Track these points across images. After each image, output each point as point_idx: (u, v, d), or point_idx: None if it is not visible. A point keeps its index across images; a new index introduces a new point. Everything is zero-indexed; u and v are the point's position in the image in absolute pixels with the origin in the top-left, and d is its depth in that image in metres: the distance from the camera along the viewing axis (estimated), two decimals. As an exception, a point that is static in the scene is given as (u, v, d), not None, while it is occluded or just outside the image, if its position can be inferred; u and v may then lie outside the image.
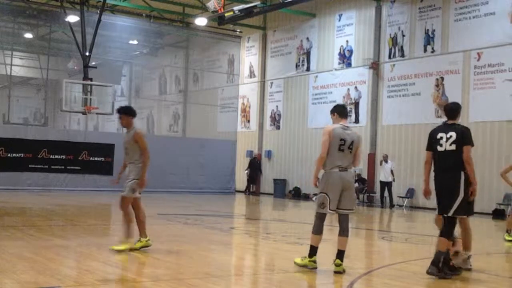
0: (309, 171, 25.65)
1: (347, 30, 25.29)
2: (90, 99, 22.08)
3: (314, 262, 7.59)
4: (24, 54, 34.19)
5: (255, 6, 22.14)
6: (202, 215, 15.86)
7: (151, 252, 8.78)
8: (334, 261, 7.46)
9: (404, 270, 8.10)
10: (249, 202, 24.25)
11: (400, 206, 21.90)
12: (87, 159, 24.64)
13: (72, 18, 23.93)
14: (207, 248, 9.75)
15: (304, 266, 7.60)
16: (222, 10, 22.28)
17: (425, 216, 19.29)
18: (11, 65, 31.60)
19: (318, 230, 7.59)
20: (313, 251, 7.60)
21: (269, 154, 28.41)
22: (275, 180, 27.41)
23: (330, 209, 7.50)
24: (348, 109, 24.63)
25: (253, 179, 28.14)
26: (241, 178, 28.66)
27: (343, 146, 7.47)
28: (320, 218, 7.61)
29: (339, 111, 7.79)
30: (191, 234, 11.66)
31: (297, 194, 26.18)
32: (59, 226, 12.65)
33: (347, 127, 7.66)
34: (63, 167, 24.23)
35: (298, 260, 7.69)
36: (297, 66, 27.63)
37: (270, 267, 8.53)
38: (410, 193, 21.92)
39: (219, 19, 23.75)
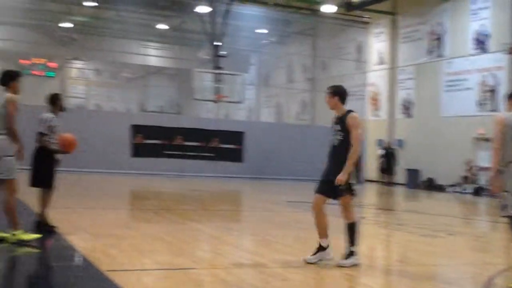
0: (443, 161, 24.69)
1: (482, 14, 23.93)
2: (221, 87, 22.60)
3: None
4: (158, 44, 35.64)
5: (385, -9, 21.58)
6: (330, 204, 15.71)
7: (280, 239, 8.82)
8: None
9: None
10: (380, 192, 23.77)
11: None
12: (218, 146, 25.32)
13: (203, 9, 24.57)
14: (336, 236, 9.62)
15: None
16: (351, -4, 21.96)
17: None
18: (147, 55, 33.04)
19: None
20: None
21: (400, 143, 27.63)
22: (407, 170, 26.62)
23: None
24: (483, 97, 23.54)
25: (388, 169, 27.31)
26: (371, 168, 28.09)
27: None
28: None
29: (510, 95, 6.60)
30: (321, 222, 11.55)
31: (431, 185, 25.27)
32: (192, 211, 13.05)
33: None
34: (196, 153, 25.05)
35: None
36: (428, 52, 26.61)
37: (404, 259, 8.26)
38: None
39: (346, 6, 23.44)
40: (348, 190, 6.82)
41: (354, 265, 6.78)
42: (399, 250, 9.09)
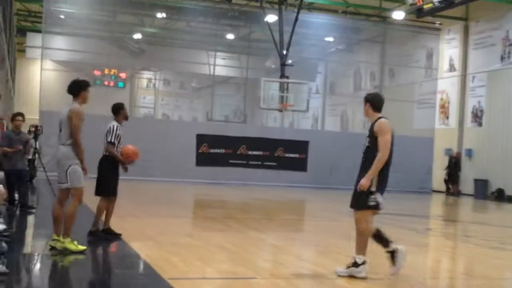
0: (515, 171, 23.84)
1: (560, 18, 23.03)
2: (286, 96, 22.57)
3: None
4: (225, 54, 36.01)
5: (456, -4, 21.06)
6: (396, 215, 15.45)
7: (343, 249, 8.71)
8: None
9: None
10: (446, 203, 23.18)
11: None
12: (282, 155, 25.30)
13: (271, 18, 24.66)
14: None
15: None
16: (421, 2, 21.54)
17: None
18: (214, 65, 33.44)
19: None
20: None
21: (469, 152, 26.87)
22: (475, 180, 25.86)
23: None
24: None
25: (451, 179, 26.75)
26: (438, 177, 27.43)
27: None
28: None
29: None
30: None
31: (500, 196, 24.43)
32: (255, 220, 13.10)
33: None
34: (260, 162, 25.12)
35: None
36: (502, 58, 25.77)
37: (469, 272, 8.03)
38: None
39: (417, 12, 23.02)
40: (376, 204, 6.57)
41: (353, 277, 6.52)
42: (465, 262, 8.83)
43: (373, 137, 6.67)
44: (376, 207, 6.61)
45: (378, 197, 6.60)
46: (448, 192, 26.64)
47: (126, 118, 8.72)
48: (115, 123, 8.55)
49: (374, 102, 6.90)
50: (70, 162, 7.28)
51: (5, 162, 11.29)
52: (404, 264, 6.61)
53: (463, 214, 19.07)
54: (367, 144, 6.74)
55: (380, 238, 6.70)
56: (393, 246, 6.63)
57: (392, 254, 6.62)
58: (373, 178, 6.58)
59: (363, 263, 6.60)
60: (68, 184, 7.31)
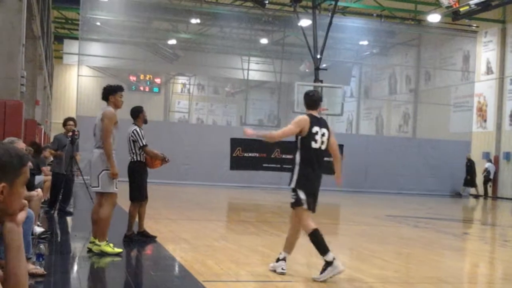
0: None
1: None
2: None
3: None
4: (259, 59, 36.08)
5: (494, -2, 20.74)
6: (433, 219, 15.27)
7: (379, 253, 8.63)
8: None
9: None
10: (484, 207, 22.78)
11: None
12: (316, 159, 25.20)
13: (305, 22, 24.64)
14: (439, 252, 9.33)
15: None
16: (457, 5, 21.28)
17: None
18: (248, 70, 33.53)
19: None
20: None
21: (507, 156, 26.41)
22: (514, 184, 25.43)
23: None
24: None
25: (469, 181, 26.42)
26: (476, 181, 27.00)
27: None
28: None
29: None
30: (421, 237, 11.26)
31: (541, 200, 23.98)
32: (289, 223, 13.04)
33: None
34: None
35: None
36: (540, 60, 25.31)
37: (508, 277, 7.87)
38: None
39: (453, 15, 22.75)
40: (295, 201, 6.56)
41: (331, 276, 6.40)
42: (504, 267, 8.66)
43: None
44: (296, 204, 6.58)
45: (300, 194, 6.58)
46: (486, 195, 26.38)
47: (145, 121, 8.61)
48: (136, 127, 8.43)
49: (306, 101, 6.97)
50: (103, 167, 7.30)
51: (56, 165, 11.54)
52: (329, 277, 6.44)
53: (501, 218, 18.73)
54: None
55: (316, 243, 6.63)
56: (329, 257, 6.45)
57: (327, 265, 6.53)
58: (293, 175, 6.70)
59: (284, 258, 6.68)
60: (99, 188, 7.35)
